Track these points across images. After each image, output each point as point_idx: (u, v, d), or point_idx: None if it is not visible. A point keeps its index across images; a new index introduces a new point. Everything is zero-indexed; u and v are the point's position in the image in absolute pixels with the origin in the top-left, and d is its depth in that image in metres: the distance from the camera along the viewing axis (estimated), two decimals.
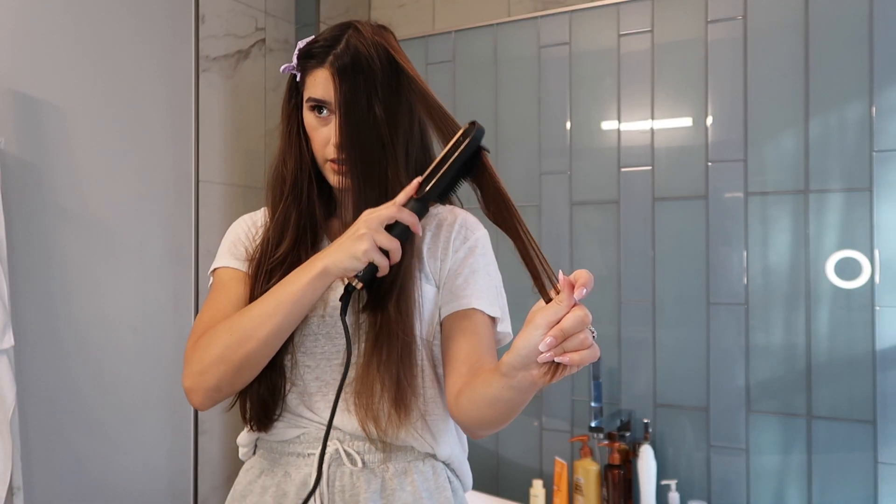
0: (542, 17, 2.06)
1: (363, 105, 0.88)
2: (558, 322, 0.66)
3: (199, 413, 1.87)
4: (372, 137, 0.89)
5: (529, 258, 0.72)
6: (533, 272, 0.71)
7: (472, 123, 0.81)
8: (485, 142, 0.82)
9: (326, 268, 0.83)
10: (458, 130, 0.85)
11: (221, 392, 0.89)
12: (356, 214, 0.90)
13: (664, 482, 1.78)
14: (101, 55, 1.65)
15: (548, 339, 0.66)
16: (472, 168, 0.81)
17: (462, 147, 0.80)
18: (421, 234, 0.83)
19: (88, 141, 1.61)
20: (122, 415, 1.68)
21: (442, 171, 0.82)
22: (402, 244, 0.83)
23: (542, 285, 0.71)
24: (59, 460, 1.54)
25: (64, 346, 1.55)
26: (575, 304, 0.66)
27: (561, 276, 0.68)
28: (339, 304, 0.92)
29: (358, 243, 0.81)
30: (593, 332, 0.67)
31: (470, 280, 0.94)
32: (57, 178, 1.54)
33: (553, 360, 0.67)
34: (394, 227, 0.83)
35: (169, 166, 1.82)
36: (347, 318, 0.91)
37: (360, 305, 0.91)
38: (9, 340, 1.32)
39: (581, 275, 0.67)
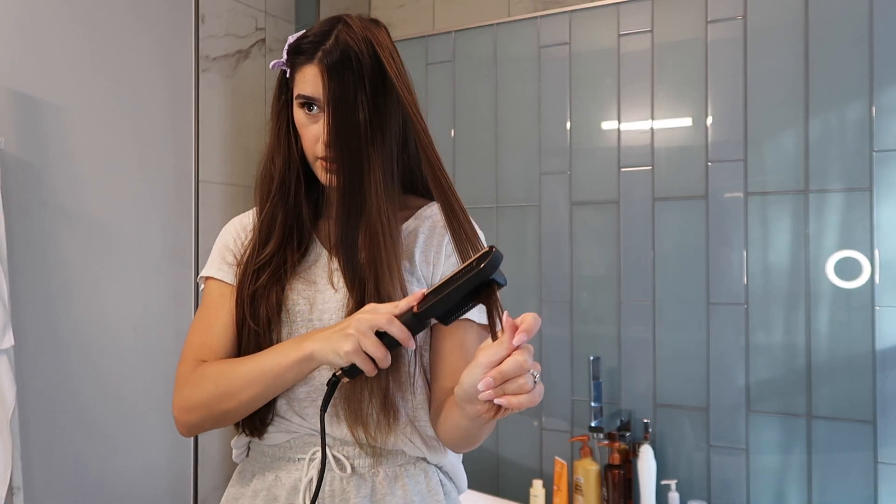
0: (542, 17, 2.06)
1: (352, 102, 0.87)
2: (499, 363, 0.67)
3: None
4: (360, 136, 0.87)
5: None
6: (488, 312, 0.73)
7: (491, 249, 0.75)
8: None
9: (313, 353, 0.82)
10: (427, 131, 0.83)
11: (204, 428, 0.92)
12: (340, 213, 0.89)
13: (664, 482, 1.78)
14: (102, 55, 1.65)
15: (486, 380, 0.67)
16: (480, 295, 0.76)
17: (470, 275, 0.74)
18: (414, 347, 0.80)
19: (88, 141, 1.61)
20: (122, 415, 1.68)
21: (444, 294, 0.76)
22: (401, 345, 0.79)
23: (493, 324, 0.71)
24: (59, 460, 1.54)
25: (64, 346, 1.55)
26: (518, 348, 0.67)
27: (506, 317, 0.68)
28: (326, 308, 0.92)
29: (343, 342, 0.79)
30: (535, 376, 0.67)
31: None
32: (57, 178, 1.54)
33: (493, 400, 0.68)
34: (385, 335, 0.79)
35: (169, 166, 1.82)
36: (331, 318, 0.91)
37: (345, 313, 0.90)
38: (9, 340, 1.32)
39: (526, 319, 0.67)
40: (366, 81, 0.87)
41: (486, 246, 0.78)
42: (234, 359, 0.91)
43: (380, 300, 0.87)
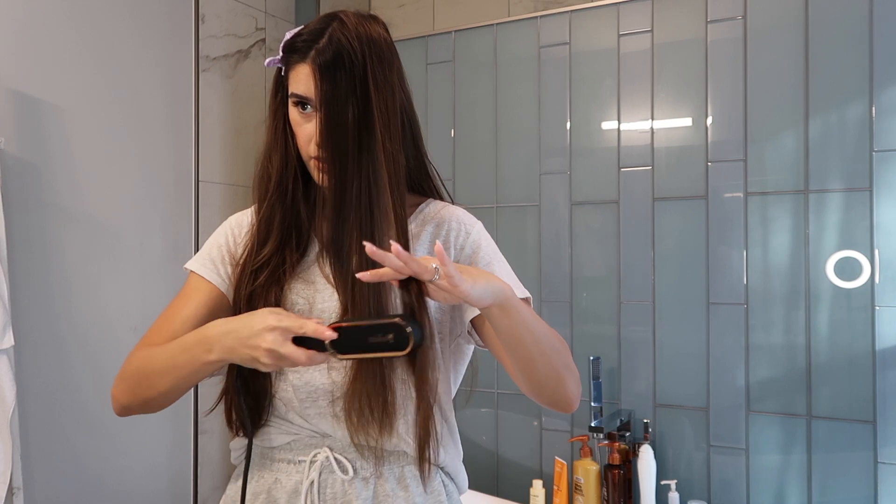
0: (542, 17, 2.06)
1: (344, 103, 0.85)
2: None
3: (199, 413, 1.88)
4: (353, 137, 0.86)
5: None
6: None
7: (411, 327, 0.76)
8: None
9: (221, 360, 0.83)
10: (384, 146, 0.85)
11: (132, 410, 0.93)
12: (332, 214, 0.88)
13: (664, 482, 1.78)
14: (102, 55, 1.65)
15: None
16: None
17: (388, 354, 0.78)
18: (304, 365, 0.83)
19: (88, 141, 1.61)
20: None
21: (354, 352, 0.79)
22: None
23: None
24: (59, 460, 1.54)
25: (64, 346, 1.55)
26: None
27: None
28: (326, 307, 0.92)
29: (259, 366, 0.80)
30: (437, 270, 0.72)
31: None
32: (57, 178, 1.54)
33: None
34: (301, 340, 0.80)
35: (169, 166, 1.82)
36: (331, 317, 0.91)
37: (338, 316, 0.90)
38: (9, 340, 1.32)
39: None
40: (358, 81, 0.86)
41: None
42: (161, 346, 0.91)
43: (374, 301, 0.86)
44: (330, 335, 0.78)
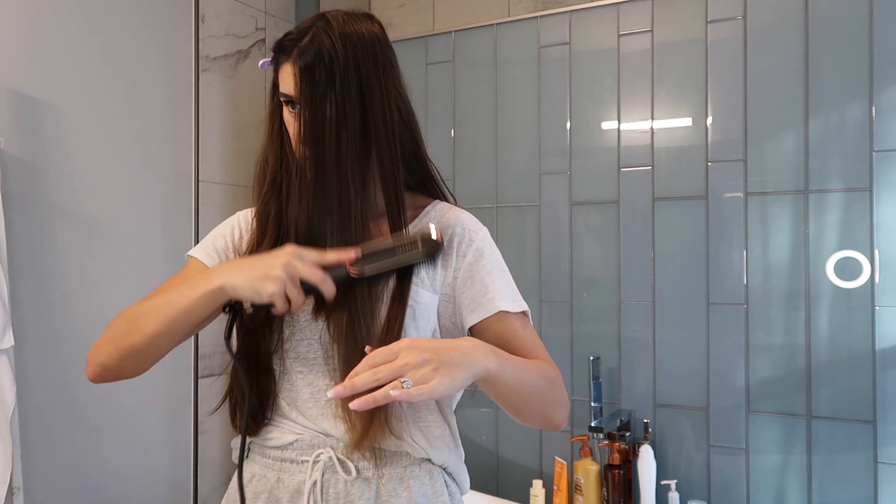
0: (542, 16, 2.06)
1: (322, 101, 0.86)
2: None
3: (199, 413, 1.87)
4: (330, 135, 0.86)
5: None
6: None
7: (436, 241, 0.83)
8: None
9: (223, 287, 0.83)
10: (382, 138, 0.88)
11: (108, 371, 0.90)
12: (311, 212, 0.89)
13: (664, 482, 1.78)
14: (102, 55, 1.65)
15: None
16: (410, 273, 0.86)
17: (410, 256, 0.83)
18: (332, 299, 0.85)
19: (88, 141, 1.61)
20: (121, 415, 1.68)
21: (383, 264, 0.84)
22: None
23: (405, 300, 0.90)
24: (59, 460, 1.54)
25: (64, 347, 1.55)
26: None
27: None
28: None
29: (268, 283, 0.80)
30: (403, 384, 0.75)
31: (489, 283, 0.93)
32: (57, 178, 1.54)
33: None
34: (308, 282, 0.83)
35: (169, 166, 1.82)
36: (323, 324, 0.91)
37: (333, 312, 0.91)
38: (9, 340, 1.32)
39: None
40: (338, 80, 0.86)
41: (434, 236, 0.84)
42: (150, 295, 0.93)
43: (365, 302, 0.87)
44: (353, 256, 0.83)
